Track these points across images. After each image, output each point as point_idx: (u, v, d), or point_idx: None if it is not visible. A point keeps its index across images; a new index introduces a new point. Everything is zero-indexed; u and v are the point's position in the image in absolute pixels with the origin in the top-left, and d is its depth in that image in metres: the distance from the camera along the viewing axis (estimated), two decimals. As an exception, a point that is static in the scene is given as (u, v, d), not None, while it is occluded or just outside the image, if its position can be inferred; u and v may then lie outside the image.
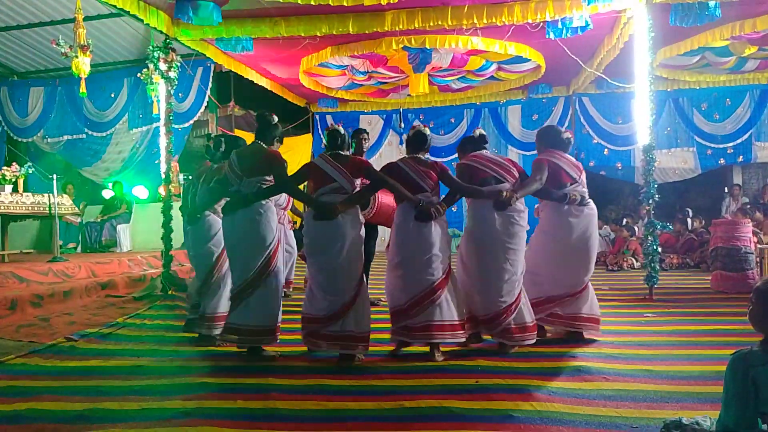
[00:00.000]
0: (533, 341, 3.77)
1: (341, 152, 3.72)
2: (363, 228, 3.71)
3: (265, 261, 3.70)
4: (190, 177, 4.98)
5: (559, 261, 3.96)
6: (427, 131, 3.86)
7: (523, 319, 3.73)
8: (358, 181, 3.73)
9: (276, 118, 4.01)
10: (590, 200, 4.09)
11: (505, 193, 3.68)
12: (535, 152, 4.26)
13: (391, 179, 3.65)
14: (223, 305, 4.19)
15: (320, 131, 11.40)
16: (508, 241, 3.72)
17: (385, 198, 4.70)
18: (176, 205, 6.63)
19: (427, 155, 3.86)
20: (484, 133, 4.08)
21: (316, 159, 3.77)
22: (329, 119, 11.38)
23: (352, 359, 3.59)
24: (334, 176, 3.61)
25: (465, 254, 3.90)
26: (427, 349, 3.68)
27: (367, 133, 5.42)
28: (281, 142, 4.21)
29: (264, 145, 3.87)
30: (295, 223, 6.20)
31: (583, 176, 4.14)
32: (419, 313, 3.58)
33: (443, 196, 3.81)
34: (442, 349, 3.70)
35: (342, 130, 3.79)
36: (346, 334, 3.54)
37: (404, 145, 3.99)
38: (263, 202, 3.76)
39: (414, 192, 3.64)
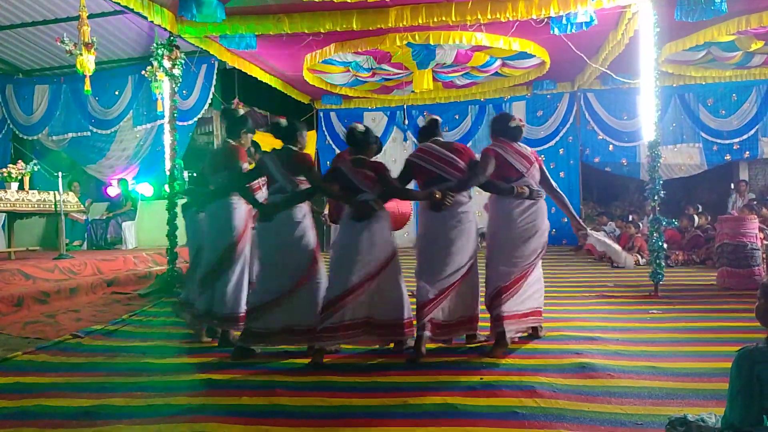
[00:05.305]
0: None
1: (291, 146, 3.80)
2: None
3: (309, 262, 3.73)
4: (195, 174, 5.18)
5: (498, 254, 3.83)
6: (360, 128, 3.78)
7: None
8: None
9: (242, 111, 4.17)
10: (541, 193, 3.86)
11: (437, 194, 3.58)
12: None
13: (329, 184, 3.76)
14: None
15: (324, 128, 11.40)
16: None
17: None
18: (181, 202, 6.69)
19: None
20: (437, 118, 4.00)
21: (266, 155, 3.87)
22: (333, 116, 11.38)
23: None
24: (276, 176, 3.71)
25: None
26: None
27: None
28: (253, 133, 4.32)
29: (232, 141, 4.09)
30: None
31: (535, 169, 3.86)
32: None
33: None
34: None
35: (284, 122, 3.87)
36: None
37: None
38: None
39: (355, 193, 3.63)
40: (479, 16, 5.83)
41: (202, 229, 4.29)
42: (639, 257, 7.92)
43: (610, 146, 10.53)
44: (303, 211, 3.75)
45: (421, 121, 11.09)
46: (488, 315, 3.84)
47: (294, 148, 3.80)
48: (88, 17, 6.12)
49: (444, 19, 5.91)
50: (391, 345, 3.84)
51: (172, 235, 6.38)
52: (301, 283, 3.67)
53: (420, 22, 5.98)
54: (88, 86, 6.41)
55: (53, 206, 7.32)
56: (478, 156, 3.88)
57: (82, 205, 8.42)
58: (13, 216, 7.52)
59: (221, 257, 4.01)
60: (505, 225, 3.80)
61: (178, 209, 6.45)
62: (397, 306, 3.64)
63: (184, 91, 8.75)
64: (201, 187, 4.41)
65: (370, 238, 3.56)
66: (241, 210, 4.06)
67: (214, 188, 4.14)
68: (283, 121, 3.86)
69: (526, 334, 4.03)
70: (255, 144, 4.72)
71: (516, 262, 3.77)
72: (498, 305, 3.70)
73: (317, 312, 3.61)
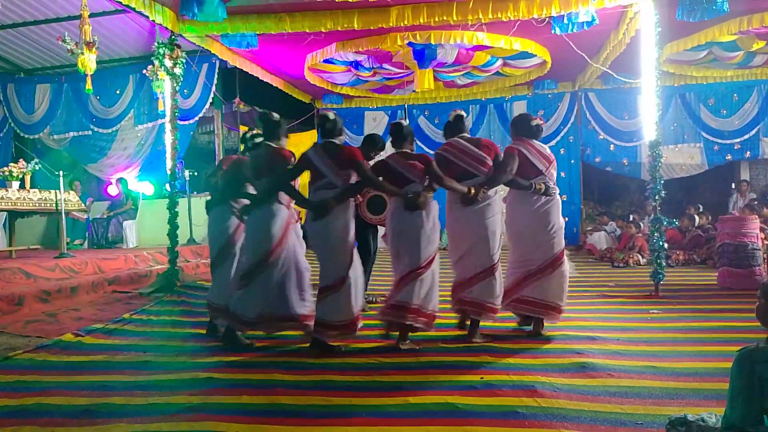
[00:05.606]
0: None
1: (334, 140, 3.80)
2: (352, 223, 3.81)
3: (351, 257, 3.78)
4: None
5: (517, 246, 4.15)
6: (404, 123, 4.02)
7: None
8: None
9: (277, 115, 4.12)
10: (556, 190, 4.13)
11: (472, 191, 3.82)
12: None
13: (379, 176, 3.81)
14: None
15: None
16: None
17: None
18: (182, 201, 6.68)
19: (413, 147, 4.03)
20: (462, 114, 4.14)
21: (309, 151, 3.83)
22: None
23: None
24: (324, 171, 3.70)
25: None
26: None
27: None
28: (287, 136, 4.29)
29: (273, 145, 4.00)
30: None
31: (552, 168, 4.13)
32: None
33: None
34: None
35: (332, 115, 3.84)
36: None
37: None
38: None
39: (403, 185, 3.76)
40: (480, 16, 5.83)
41: (228, 231, 4.26)
42: (640, 257, 7.92)
43: (611, 146, 10.52)
44: (350, 205, 3.82)
45: (422, 121, 11.10)
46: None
47: (337, 142, 3.82)
48: (90, 16, 6.12)
49: (445, 18, 5.90)
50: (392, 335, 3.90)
51: (172, 234, 6.38)
52: (345, 280, 3.70)
53: (421, 21, 5.98)
54: (89, 85, 6.41)
55: (54, 205, 7.33)
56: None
57: (83, 204, 8.43)
58: (14, 215, 7.53)
59: (256, 264, 3.93)
60: (522, 218, 4.06)
61: (177, 208, 6.46)
62: (435, 296, 3.83)
63: (185, 90, 8.77)
64: (233, 190, 4.29)
65: (427, 226, 3.73)
66: (283, 216, 3.94)
67: (258, 193, 4.02)
68: (332, 115, 3.85)
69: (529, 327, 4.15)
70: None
71: (533, 255, 4.01)
72: (520, 290, 4.02)
73: (356, 306, 3.74)
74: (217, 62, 8.85)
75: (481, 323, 4.01)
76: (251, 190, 4.17)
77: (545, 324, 4.14)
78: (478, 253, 3.90)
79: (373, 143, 4.91)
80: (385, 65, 8.16)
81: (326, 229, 3.69)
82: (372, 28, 6.19)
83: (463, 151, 3.93)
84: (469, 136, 4.07)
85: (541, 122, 4.23)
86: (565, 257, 4.11)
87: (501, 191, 4.15)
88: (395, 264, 3.86)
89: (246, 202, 4.18)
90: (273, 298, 3.88)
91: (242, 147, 4.51)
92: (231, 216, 4.29)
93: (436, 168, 3.78)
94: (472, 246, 3.90)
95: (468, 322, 4.05)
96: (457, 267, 4.02)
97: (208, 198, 4.56)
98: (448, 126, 4.15)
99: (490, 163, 3.92)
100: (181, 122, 8.18)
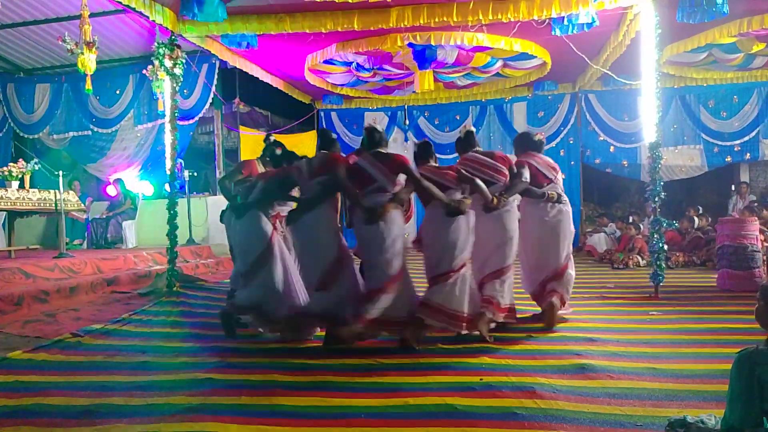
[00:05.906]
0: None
1: (381, 150, 3.99)
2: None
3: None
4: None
5: (530, 253, 4.53)
6: (428, 142, 4.42)
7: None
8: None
9: (334, 134, 4.44)
10: (566, 198, 4.49)
11: (494, 199, 4.07)
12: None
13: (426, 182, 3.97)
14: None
15: (325, 128, 11.38)
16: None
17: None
18: (182, 201, 6.67)
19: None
20: (472, 129, 4.48)
21: (357, 159, 4.03)
22: (334, 116, 11.37)
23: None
24: (375, 175, 3.86)
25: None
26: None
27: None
28: (339, 151, 4.43)
29: (328, 152, 4.20)
30: None
31: (559, 176, 4.52)
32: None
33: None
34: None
35: (379, 127, 4.10)
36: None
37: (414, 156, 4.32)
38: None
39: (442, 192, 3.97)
40: (481, 17, 5.83)
41: (267, 236, 4.24)
42: (639, 259, 7.91)
43: (611, 147, 10.51)
44: (401, 212, 3.97)
45: (422, 122, 11.10)
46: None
47: (384, 151, 3.99)
48: (90, 16, 6.12)
49: (445, 19, 5.90)
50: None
51: (172, 235, 6.37)
52: (398, 278, 3.80)
53: (421, 22, 5.97)
54: (89, 85, 6.41)
55: (54, 205, 7.32)
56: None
57: (82, 204, 8.43)
58: (13, 214, 7.53)
59: (328, 270, 3.96)
60: (534, 227, 4.41)
61: (176, 208, 6.45)
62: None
63: (185, 91, 8.77)
64: (276, 197, 4.33)
65: (464, 230, 3.91)
66: (332, 221, 4.08)
67: (312, 195, 4.05)
68: (379, 127, 4.12)
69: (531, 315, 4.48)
70: (279, 144, 4.80)
71: (544, 262, 4.41)
72: (545, 282, 4.40)
73: (414, 302, 3.91)
74: (217, 62, 8.85)
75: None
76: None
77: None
78: (495, 256, 4.13)
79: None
80: (385, 66, 8.16)
81: (377, 232, 3.76)
82: (372, 28, 6.18)
83: (480, 163, 4.21)
84: (482, 149, 4.36)
85: (542, 137, 4.65)
86: (570, 262, 4.47)
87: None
88: (431, 268, 3.98)
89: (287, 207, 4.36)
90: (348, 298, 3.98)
91: (262, 153, 4.69)
92: (267, 221, 4.32)
93: (466, 173, 4.02)
94: (493, 249, 4.12)
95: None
96: (477, 269, 4.17)
97: (237, 204, 4.46)
98: (459, 142, 4.45)
99: (506, 172, 4.20)
100: (181, 122, 8.18)
